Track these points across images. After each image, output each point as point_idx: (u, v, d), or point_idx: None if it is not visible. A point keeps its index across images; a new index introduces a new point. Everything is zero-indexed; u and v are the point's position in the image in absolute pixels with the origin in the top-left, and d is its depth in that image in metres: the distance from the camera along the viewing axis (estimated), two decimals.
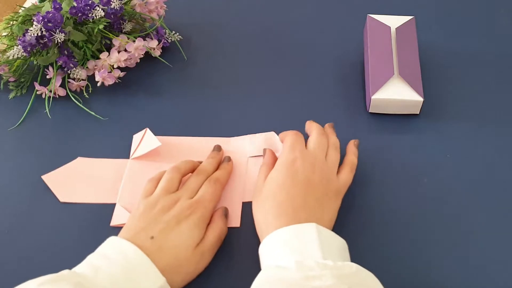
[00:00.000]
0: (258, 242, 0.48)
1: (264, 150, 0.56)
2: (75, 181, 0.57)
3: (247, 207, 0.53)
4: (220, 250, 0.50)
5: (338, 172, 0.53)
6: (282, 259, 0.43)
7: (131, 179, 0.56)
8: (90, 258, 0.45)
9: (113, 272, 0.43)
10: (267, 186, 0.50)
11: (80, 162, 0.58)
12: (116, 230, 0.49)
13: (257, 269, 0.46)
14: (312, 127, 0.56)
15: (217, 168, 0.56)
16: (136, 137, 0.60)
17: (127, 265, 0.43)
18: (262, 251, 0.46)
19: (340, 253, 0.44)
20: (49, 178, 0.57)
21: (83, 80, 0.65)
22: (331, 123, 0.58)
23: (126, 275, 0.43)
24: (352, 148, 0.56)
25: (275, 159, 0.54)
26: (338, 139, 0.56)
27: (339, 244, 0.45)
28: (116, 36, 0.65)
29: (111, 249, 0.45)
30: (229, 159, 0.57)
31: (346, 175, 0.53)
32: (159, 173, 0.54)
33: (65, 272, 0.43)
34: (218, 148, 0.57)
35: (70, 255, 0.46)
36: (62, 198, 0.55)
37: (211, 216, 0.51)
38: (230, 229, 0.52)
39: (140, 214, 0.49)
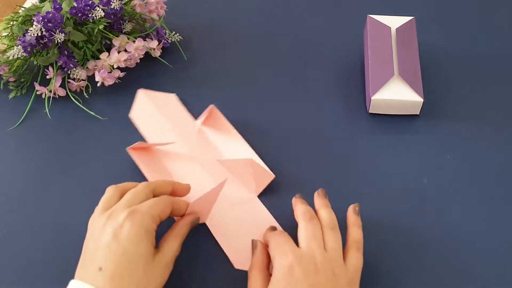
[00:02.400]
0: None
1: (253, 242, 0.48)
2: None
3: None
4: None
5: (344, 256, 0.45)
6: None
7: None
8: None
9: None
10: None
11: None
12: None
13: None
14: (296, 210, 0.48)
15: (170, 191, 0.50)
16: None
17: None
18: None
19: None
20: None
21: (83, 80, 0.65)
22: (322, 190, 0.50)
23: None
24: (352, 219, 0.48)
25: (266, 259, 0.47)
26: (331, 213, 0.48)
27: None
28: (116, 36, 0.65)
29: None
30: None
31: (355, 259, 0.45)
32: (125, 183, 0.50)
33: None
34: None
35: (70, 255, 0.46)
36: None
37: (157, 223, 0.45)
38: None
39: (86, 241, 0.45)
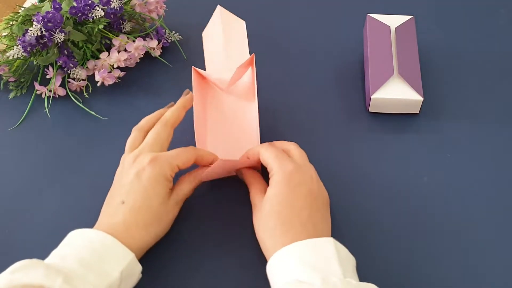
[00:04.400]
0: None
1: (239, 174, 0.54)
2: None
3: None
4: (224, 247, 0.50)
5: None
6: (302, 275, 0.41)
7: None
8: (54, 252, 0.45)
9: (81, 256, 0.43)
10: (268, 203, 0.47)
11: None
12: None
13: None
14: (285, 143, 0.53)
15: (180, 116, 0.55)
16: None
17: (94, 247, 0.44)
18: (274, 266, 0.44)
19: (353, 271, 0.43)
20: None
21: (83, 80, 0.65)
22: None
23: (95, 255, 0.43)
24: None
25: (259, 175, 0.52)
26: None
27: (352, 262, 0.44)
28: (116, 36, 0.65)
29: (73, 238, 0.45)
30: (187, 92, 0.57)
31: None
32: (145, 120, 0.55)
33: (34, 260, 0.43)
34: (185, 93, 0.57)
35: None
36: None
37: (175, 171, 0.50)
38: (231, 228, 0.52)
39: (116, 175, 0.51)
